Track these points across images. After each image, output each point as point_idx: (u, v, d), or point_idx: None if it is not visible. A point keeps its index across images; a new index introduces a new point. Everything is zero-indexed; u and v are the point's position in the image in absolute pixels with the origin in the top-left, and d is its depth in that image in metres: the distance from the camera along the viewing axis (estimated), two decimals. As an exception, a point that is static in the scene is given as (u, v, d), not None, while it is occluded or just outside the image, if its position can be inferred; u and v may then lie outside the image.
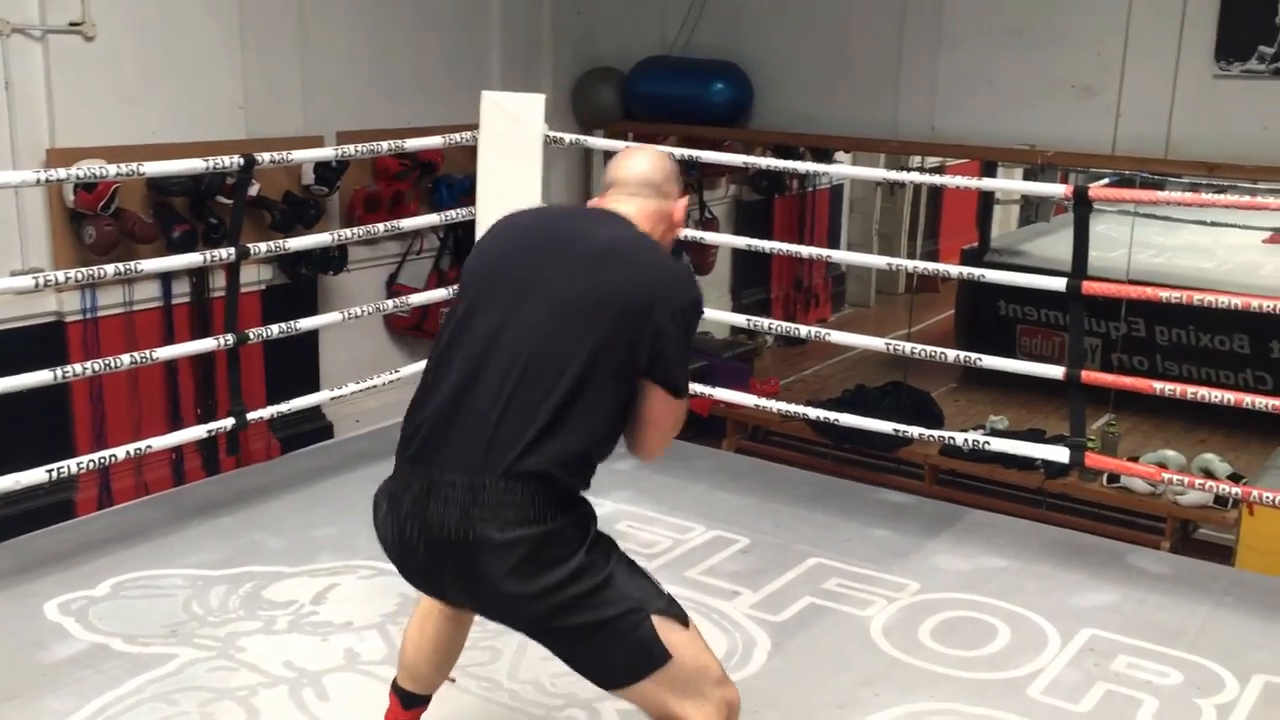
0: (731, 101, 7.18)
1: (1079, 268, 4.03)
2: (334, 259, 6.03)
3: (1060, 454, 4.13)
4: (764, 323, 5.34)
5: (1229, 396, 3.93)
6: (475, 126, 4.87)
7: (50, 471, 3.76)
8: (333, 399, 4.89)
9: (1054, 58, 6.26)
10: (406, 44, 6.45)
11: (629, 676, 2.27)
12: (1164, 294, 4.11)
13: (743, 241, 5.67)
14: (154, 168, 4.13)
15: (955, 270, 4.87)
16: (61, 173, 4.01)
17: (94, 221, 5.10)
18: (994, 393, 7.98)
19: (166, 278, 5.42)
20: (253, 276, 5.68)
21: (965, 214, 10.18)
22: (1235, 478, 6.13)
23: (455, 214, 5.27)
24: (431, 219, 5.42)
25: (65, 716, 3.00)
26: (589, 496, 2.35)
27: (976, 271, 4.67)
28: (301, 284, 6.03)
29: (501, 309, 2.29)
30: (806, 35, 7.06)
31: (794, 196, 10.06)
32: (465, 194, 5.88)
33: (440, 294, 5.27)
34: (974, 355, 4.38)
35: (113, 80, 5.21)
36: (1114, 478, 6.27)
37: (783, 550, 4.08)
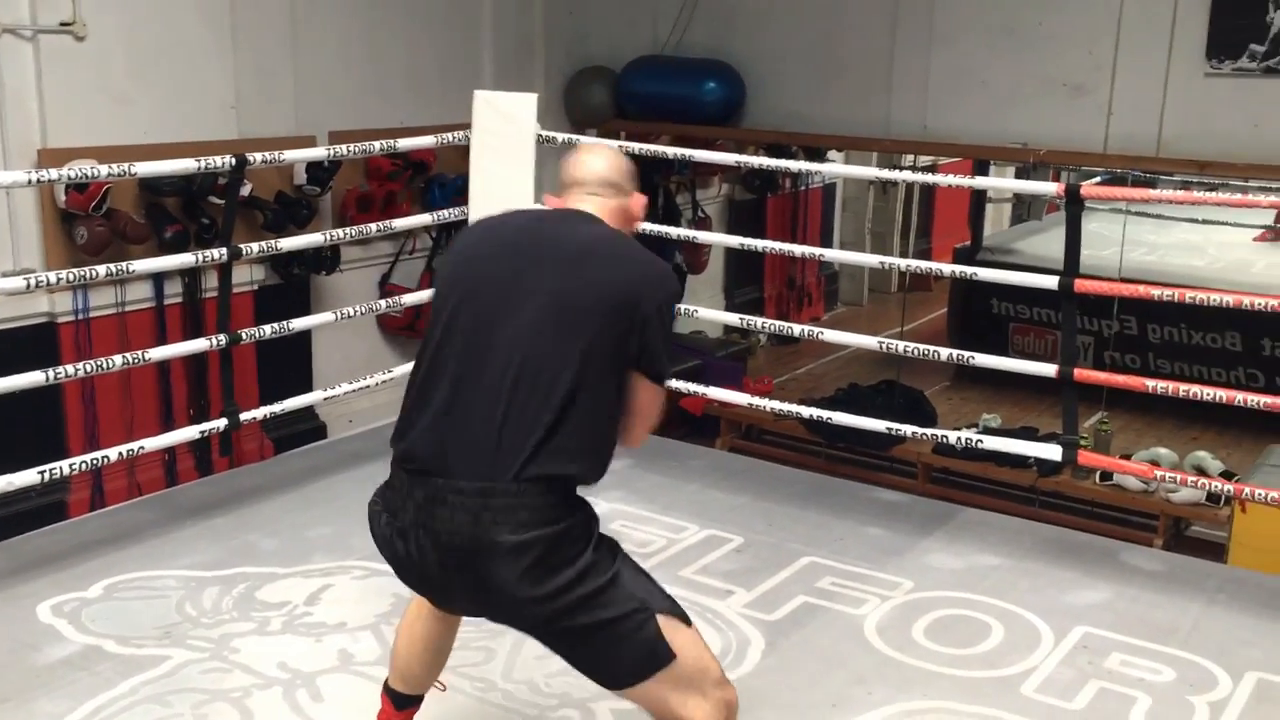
0: (724, 100, 7.18)
1: (1071, 266, 4.03)
2: (326, 259, 6.02)
3: (1053, 452, 4.14)
4: (757, 322, 5.35)
5: (1221, 394, 3.94)
6: (467, 126, 4.86)
7: (42, 473, 3.75)
8: (326, 399, 4.89)
9: (1046, 56, 6.27)
10: (398, 44, 6.44)
11: (633, 676, 2.28)
12: (1156, 292, 4.12)
13: (735, 240, 5.69)
14: (146, 168, 4.13)
15: (948, 269, 4.87)
16: (53, 173, 4.00)
17: (86, 222, 5.09)
18: (987, 391, 7.99)
19: (159, 278, 5.41)
20: (245, 277, 5.68)
21: (958, 212, 10.20)
22: (1227, 475, 6.15)
23: (448, 214, 5.26)
24: (424, 219, 5.42)
25: (58, 719, 2.99)
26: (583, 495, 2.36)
27: (969, 270, 4.68)
28: (294, 284, 6.02)
29: (492, 314, 2.29)
30: (798, 34, 7.06)
31: (787, 195, 10.07)
32: (458, 194, 5.87)
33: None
34: (967, 354, 4.39)
35: (104, 80, 5.19)
36: (1107, 475, 6.28)
37: (776, 549, 4.08)
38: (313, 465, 4.77)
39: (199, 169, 4.24)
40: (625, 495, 4.44)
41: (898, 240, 11.06)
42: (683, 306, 5.75)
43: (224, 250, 4.31)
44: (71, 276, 4.04)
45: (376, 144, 4.88)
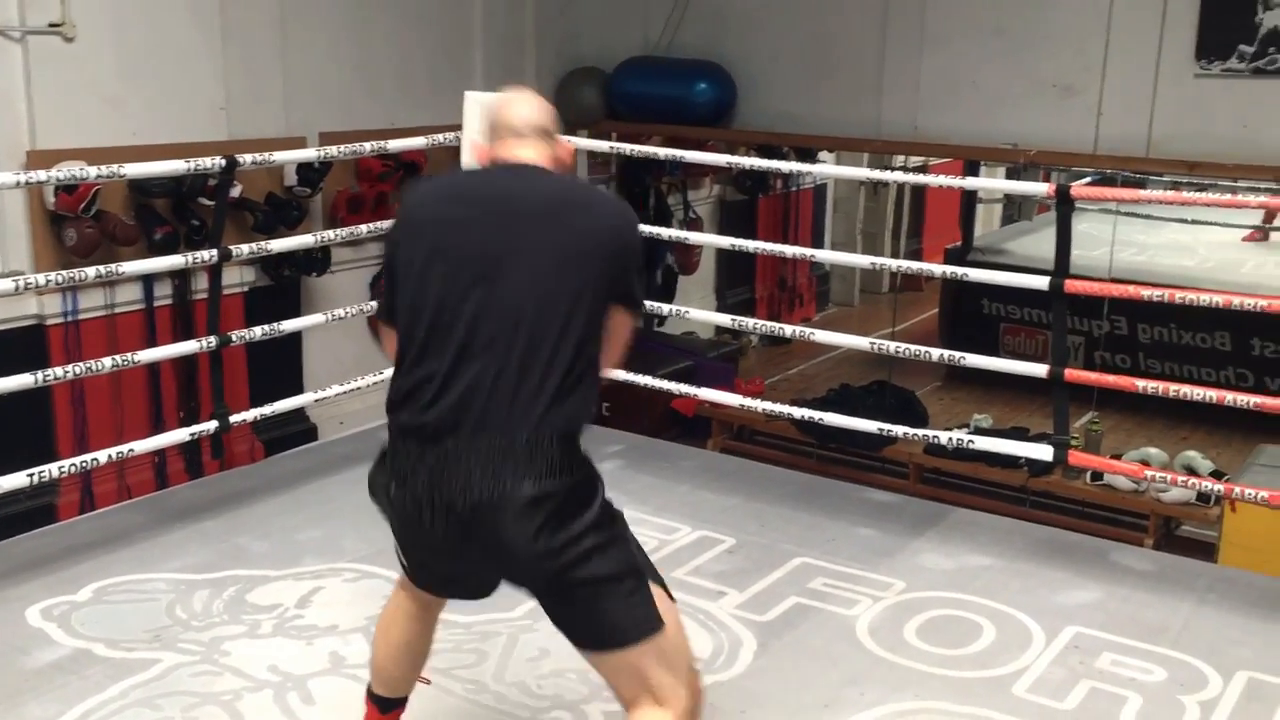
0: (715, 101, 7.19)
1: (1062, 266, 4.04)
2: (317, 260, 6.01)
3: (1044, 452, 4.14)
4: (749, 322, 5.35)
5: (1211, 394, 3.95)
6: (458, 127, 4.85)
7: (31, 475, 3.73)
8: (317, 401, 4.88)
9: (1036, 57, 6.29)
10: (389, 45, 6.43)
11: (626, 638, 2.28)
12: (1146, 292, 4.12)
13: (727, 241, 5.68)
14: (135, 169, 4.11)
15: (939, 269, 4.88)
16: (42, 174, 3.98)
17: (75, 223, 5.07)
18: (977, 391, 8.02)
19: (148, 280, 5.40)
20: (235, 278, 5.66)
21: (948, 213, 10.23)
22: (1217, 475, 6.17)
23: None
24: (415, 220, 5.40)
25: (48, 722, 2.98)
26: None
27: (960, 271, 4.69)
28: (284, 285, 6.01)
29: (485, 275, 2.28)
30: (790, 35, 7.07)
31: (778, 196, 10.09)
32: (449, 195, 5.85)
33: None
34: (958, 354, 4.39)
35: (93, 81, 5.18)
36: (1097, 475, 6.30)
37: (768, 550, 4.08)
38: (304, 467, 4.76)
39: (189, 170, 4.23)
40: (616, 497, 4.37)
41: (889, 241, 11.09)
42: (674, 307, 5.76)
43: (214, 252, 4.30)
44: (61, 278, 4.03)
45: (367, 145, 4.88)
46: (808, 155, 8.29)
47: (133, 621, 3.46)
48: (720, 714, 3.09)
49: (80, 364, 4.03)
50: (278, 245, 4.78)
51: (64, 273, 4.05)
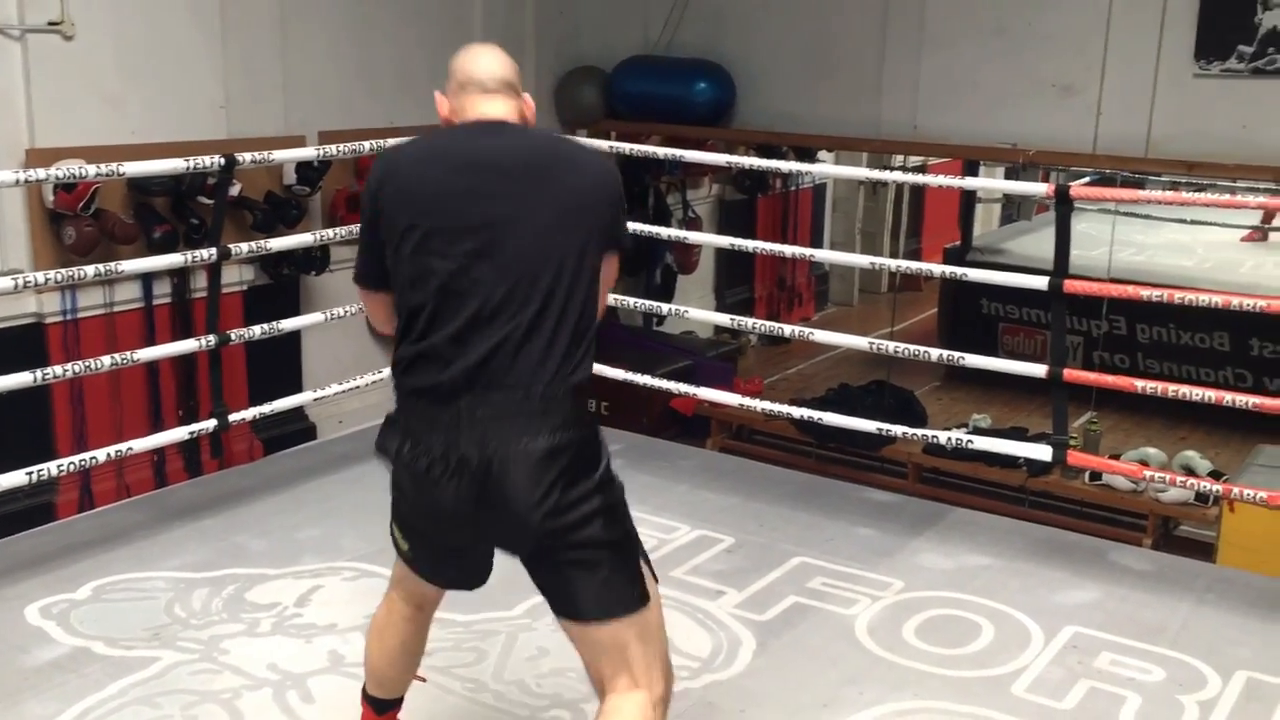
0: (714, 101, 7.18)
1: (1061, 266, 4.04)
2: (316, 259, 6.00)
3: (1042, 452, 4.15)
4: (748, 322, 5.35)
5: (1209, 394, 3.95)
6: (458, 126, 4.85)
7: (30, 474, 3.73)
8: (316, 400, 4.88)
9: (1035, 57, 6.28)
10: (388, 43, 6.43)
11: (616, 610, 2.29)
12: (1145, 292, 4.13)
13: (726, 241, 5.69)
14: (134, 168, 4.11)
15: (938, 269, 4.88)
16: (41, 173, 3.98)
17: (74, 222, 5.07)
18: (976, 391, 8.01)
19: (147, 278, 5.39)
20: (234, 277, 5.66)
21: (947, 213, 10.23)
22: (1216, 475, 6.17)
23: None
24: (414, 219, 5.40)
25: (47, 721, 2.98)
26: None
27: (959, 270, 4.69)
28: (284, 284, 6.00)
29: (488, 240, 2.28)
30: (789, 34, 7.07)
31: (777, 196, 10.08)
32: (448, 194, 5.85)
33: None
34: (957, 354, 4.39)
35: (92, 80, 5.17)
36: (1096, 475, 6.30)
37: (767, 549, 4.08)
38: (302, 466, 4.76)
39: (188, 169, 4.23)
40: (616, 496, 4.43)
41: (888, 240, 11.08)
42: (673, 307, 5.75)
43: (213, 250, 4.30)
44: (59, 277, 4.02)
45: (366, 144, 4.87)
46: (807, 155, 8.28)
47: (132, 620, 3.47)
48: (719, 713, 3.10)
49: (79, 362, 4.03)
50: (277, 244, 4.78)
51: (63, 271, 4.05)
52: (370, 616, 3.36)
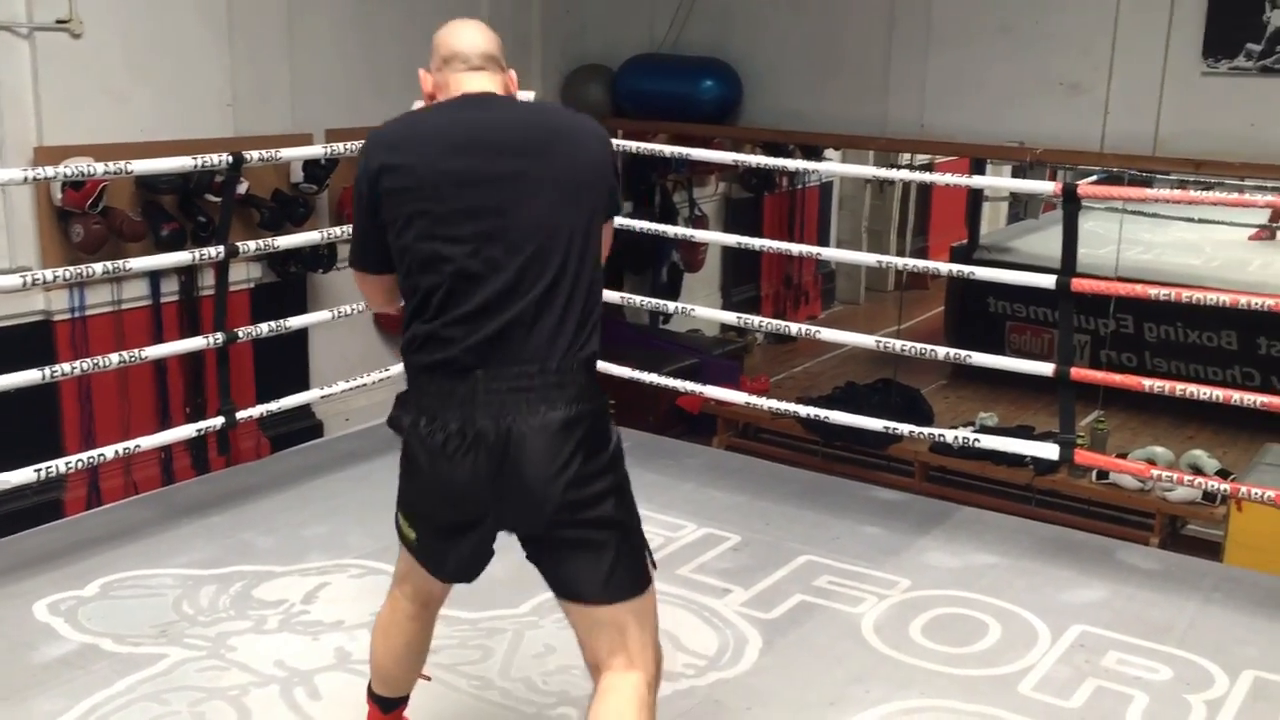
0: (721, 99, 7.18)
1: (1068, 265, 4.03)
2: (323, 257, 6.02)
3: (1049, 451, 4.14)
4: (754, 320, 5.34)
5: (1217, 394, 3.94)
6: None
7: (39, 471, 3.74)
8: (323, 397, 4.88)
9: (1042, 55, 6.28)
10: (394, 41, 6.43)
11: (620, 592, 2.30)
12: (1153, 291, 4.11)
13: (732, 239, 5.69)
14: (142, 166, 4.12)
15: (945, 267, 4.87)
16: (49, 171, 3.98)
17: (82, 220, 5.08)
18: (983, 390, 8.01)
19: (155, 276, 5.41)
20: (242, 275, 5.67)
21: (954, 211, 10.21)
22: (1223, 474, 6.16)
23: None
24: (421, 217, 5.40)
25: (55, 717, 2.98)
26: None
27: (966, 269, 4.68)
28: (291, 282, 6.02)
29: (495, 219, 2.27)
30: (796, 32, 7.07)
31: (784, 194, 10.08)
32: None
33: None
34: (964, 352, 4.39)
35: (100, 78, 5.19)
36: (1103, 474, 6.29)
37: (774, 548, 4.08)
38: (309, 464, 4.77)
39: (196, 167, 4.23)
40: (622, 494, 4.43)
41: (894, 239, 11.07)
42: (680, 305, 5.75)
43: (221, 248, 4.31)
44: (68, 274, 4.03)
45: (373, 142, 4.88)
46: (814, 153, 8.28)
47: (139, 617, 3.47)
48: (725, 711, 3.10)
49: (87, 360, 4.03)
50: (284, 242, 4.79)
51: (71, 269, 4.05)
52: (376, 613, 3.37)
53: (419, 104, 2.58)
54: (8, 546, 3.95)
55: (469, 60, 2.41)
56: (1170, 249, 9.22)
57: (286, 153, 4.59)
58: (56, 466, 3.82)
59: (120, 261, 4.16)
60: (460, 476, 2.27)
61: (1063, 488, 6.47)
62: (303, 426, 6.00)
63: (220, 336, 4.34)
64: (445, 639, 3.28)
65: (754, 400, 4.97)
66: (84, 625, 3.43)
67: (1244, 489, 4.11)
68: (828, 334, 4.81)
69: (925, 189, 10.89)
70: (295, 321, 4.73)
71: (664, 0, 7.36)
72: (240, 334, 4.44)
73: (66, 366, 3.96)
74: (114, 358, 4.06)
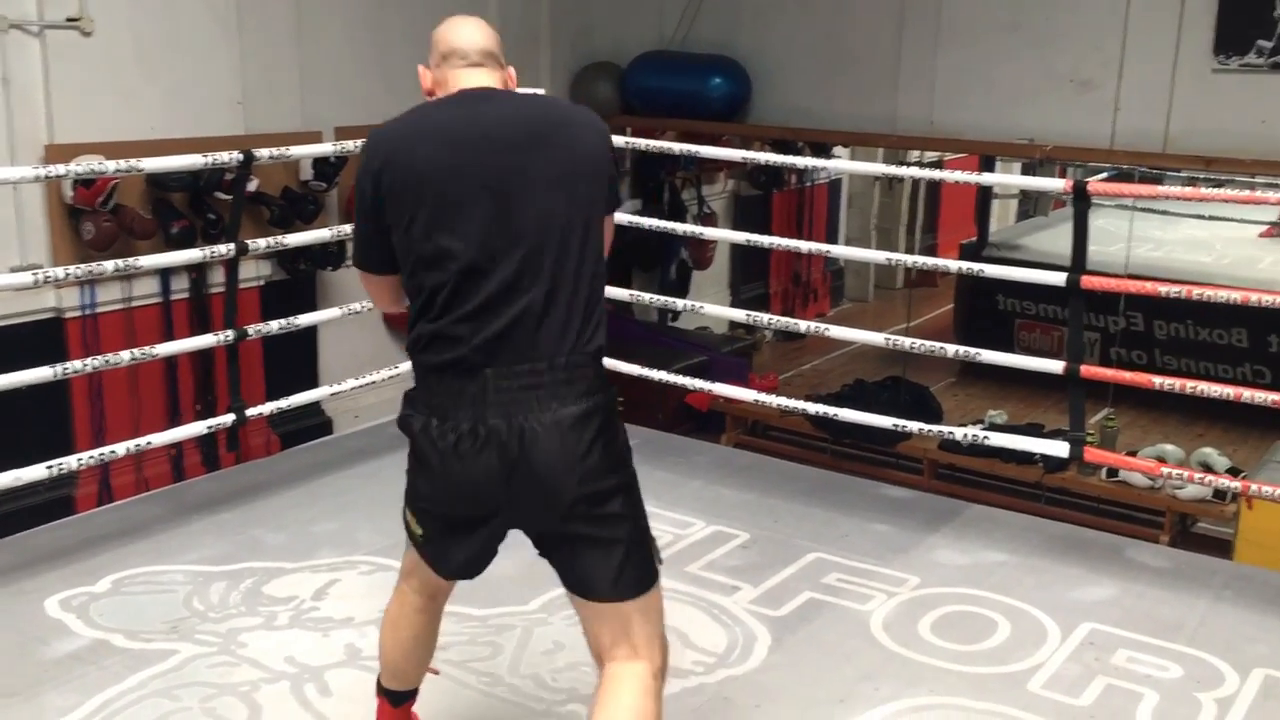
0: (729, 96, 7.18)
1: (1078, 262, 4.03)
2: (333, 255, 6.03)
3: (1059, 448, 4.13)
4: (763, 318, 5.33)
5: (1228, 391, 3.93)
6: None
7: (50, 468, 3.75)
8: (332, 395, 4.89)
9: (1052, 52, 6.26)
10: (404, 39, 6.44)
11: (628, 590, 2.32)
12: (1163, 289, 4.10)
13: (741, 236, 5.68)
14: (153, 163, 4.13)
15: (954, 265, 4.86)
16: (60, 169, 4.00)
17: (92, 217, 5.10)
18: (992, 387, 7.99)
19: (165, 274, 5.42)
20: (252, 272, 5.69)
21: (964, 208, 10.19)
22: (1234, 472, 6.14)
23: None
24: (430, 214, 5.41)
25: (67, 713, 3.00)
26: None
27: (975, 266, 4.67)
28: (300, 280, 6.03)
29: (497, 214, 2.27)
30: (805, 30, 7.06)
31: (792, 191, 10.07)
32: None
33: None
34: (973, 350, 4.38)
35: (111, 76, 5.20)
36: (1113, 472, 6.28)
37: (782, 545, 4.08)
38: (319, 461, 4.78)
39: (206, 165, 4.24)
40: (631, 491, 4.43)
41: (903, 236, 11.05)
42: (689, 302, 5.76)
43: (230, 246, 4.32)
44: (78, 272, 4.04)
45: (383, 140, 4.89)
46: (823, 150, 8.28)
47: (151, 613, 3.49)
48: (734, 708, 3.10)
49: (98, 357, 4.05)
50: (294, 239, 4.80)
51: (82, 266, 4.06)
52: (384, 609, 3.38)
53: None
54: (19, 543, 3.97)
55: (467, 56, 2.41)
56: (1180, 246, 9.20)
57: (296, 150, 4.60)
58: (68, 463, 3.83)
59: (131, 259, 4.17)
60: (474, 475, 2.27)
61: (1072, 485, 6.46)
62: (312, 424, 6.02)
63: (230, 334, 4.36)
64: (454, 636, 3.29)
65: (763, 398, 4.96)
66: (95, 621, 3.44)
67: (1254, 487, 4.09)
68: (837, 331, 4.81)
69: (934, 186, 10.86)
70: (305, 319, 4.74)
71: (673, -3, 7.37)
72: (250, 331, 4.45)
73: (78, 364, 3.97)
74: (124, 355, 4.07)
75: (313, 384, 5.48)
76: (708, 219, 8.85)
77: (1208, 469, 6.18)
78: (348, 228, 5.00)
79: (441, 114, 2.39)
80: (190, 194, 5.47)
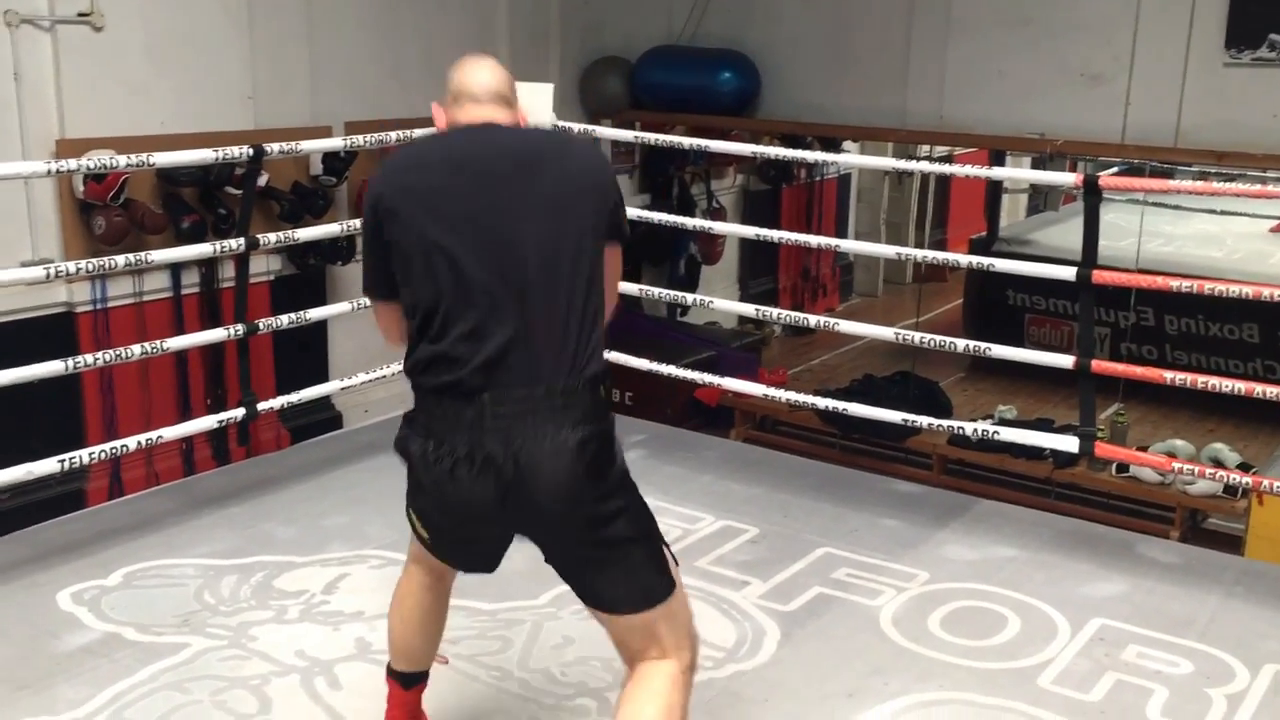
0: (739, 91, 7.17)
1: (1089, 257, 4.01)
2: (342, 249, 6.04)
3: (1069, 444, 4.13)
4: (772, 312, 5.33)
5: (1240, 386, 3.92)
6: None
7: (62, 462, 3.77)
8: (342, 389, 4.90)
9: (1063, 46, 6.24)
10: (414, 34, 6.45)
11: (644, 602, 2.33)
12: (1174, 283, 4.09)
13: (750, 231, 5.66)
14: (163, 158, 4.13)
15: (964, 259, 4.86)
16: (71, 163, 4.01)
17: (104, 212, 5.11)
18: (1002, 382, 7.98)
19: (176, 268, 5.44)
20: (262, 267, 5.70)
21: (973, 203, 10.18)
22: (1245, 467, 6.12)
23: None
24: (440, 209, 5.41)
25: (79, 705, 3.01)
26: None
27: (985, 261, 4.67)
28: (310, 274, 6.04)
29: (491, 237, 2.31)
30: (814, 24, 7.04)
31: (802, 186, 10.06)
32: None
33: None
34: (983, 345, 4.37)
35: (122, 71, 5.21)
36: (1123, 467, 6.26)
37: (792, 540, 4.08)
38: (329, 455, 4.79)
39: (216, 159, 4.25)
40: (640, 486, 4.41)
41: (913, 231, 11.04)
42: (698, 297, 5.76)
43: (241, 240, 4.33)
44: (90, 266, 4.06)
45: (393, 134, 4.89)
46: (832, 145, 8.26)
47: (162, 606, 3.50)
48: (744, 702, 3.10)
49: (109, 351, 4.06)
50: (304, 234, 4.81)
51: (93, 261, 4.08)
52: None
53: None
54: (31, 536, 3.99)
55: (477, 98, 2.48)
56: (1191, 241, 9.17)
57: (307, 145, 4.61)
58: (80, 457, 3.85)
59: (141, 253, 4.19)
60: (470, 500, 2.31)
61: (1082, 481, 6.45)
62: (322, 418, 6.03)
63: (240, 328, 4.37)
64: (464, 630, 3.30)
65: (772, 392, 4.96)
66: (107, 614, 3.46)
67: (1265, 482, 4.08)
68: (846, 326, 4.80)
69: (944, 181, 10.84)
70: (315, 313, 4.75)
71: (682, -8, 7.36)
72: (260, 326, 4.46)
73: (89, 358, 3.99)
74: (135, 349, 4.08)
75: (323, 378, 5.49)
76: (717, 214, 8.85)
77: (1218, 464, 6.16)
78: (357, 222, 5.00)
79: (440, 142, 2.50)
80: (201, 189, 5.48)
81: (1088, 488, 6.46)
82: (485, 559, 2.54)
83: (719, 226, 6.81)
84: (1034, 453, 6.25)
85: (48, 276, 3.97)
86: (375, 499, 4.24)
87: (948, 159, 8.68)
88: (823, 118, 7.07)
